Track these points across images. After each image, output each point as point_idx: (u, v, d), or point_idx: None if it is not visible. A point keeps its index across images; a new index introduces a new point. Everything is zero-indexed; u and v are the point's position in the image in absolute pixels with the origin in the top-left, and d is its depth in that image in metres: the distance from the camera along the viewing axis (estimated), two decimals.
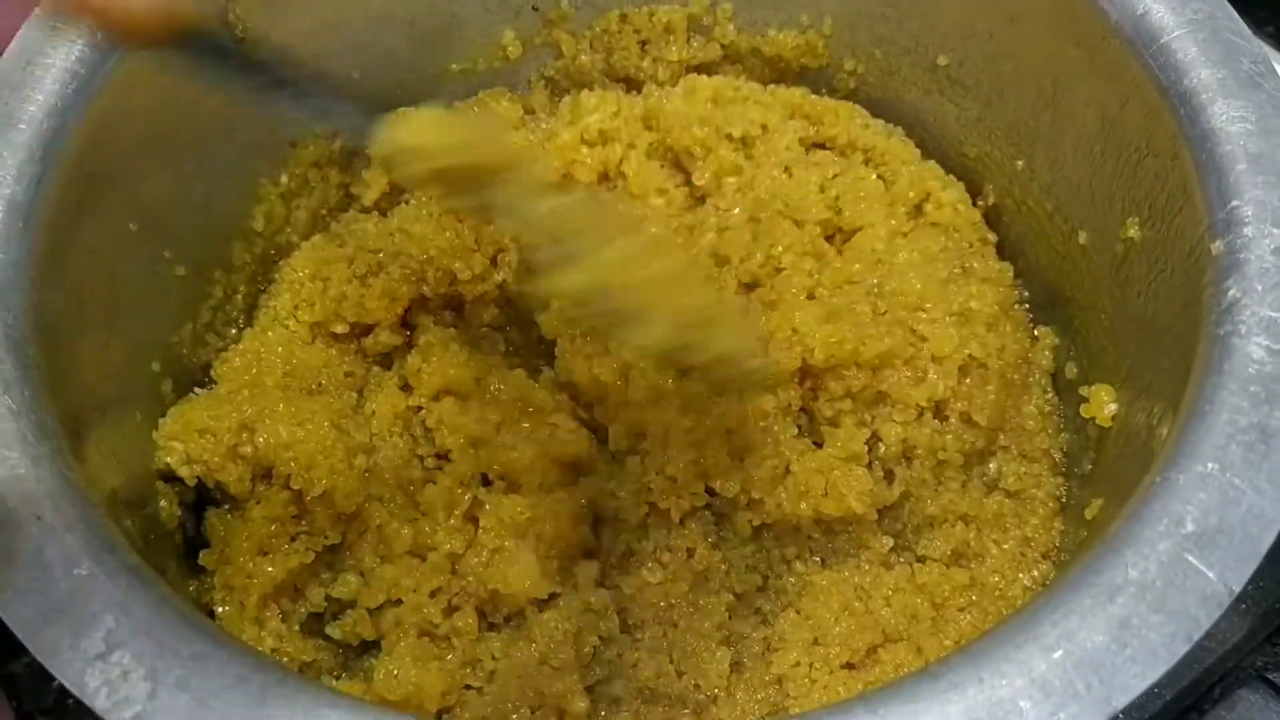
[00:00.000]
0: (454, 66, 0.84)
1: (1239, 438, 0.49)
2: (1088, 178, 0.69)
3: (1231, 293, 0.53)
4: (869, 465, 0.69)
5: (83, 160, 0.63)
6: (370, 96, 0.81)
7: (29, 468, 0.51)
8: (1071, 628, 0.45)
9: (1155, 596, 0.45)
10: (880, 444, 0.69)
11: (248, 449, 0.67)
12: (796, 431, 0.69)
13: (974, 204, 0.80)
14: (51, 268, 0.60)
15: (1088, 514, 0.64)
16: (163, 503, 0.66)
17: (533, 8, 0.83)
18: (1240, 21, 0.62)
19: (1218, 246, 0.55)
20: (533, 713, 0.63)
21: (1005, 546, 0.70)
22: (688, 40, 0.84)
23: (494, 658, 0.66)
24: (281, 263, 0.80)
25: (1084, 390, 0.69)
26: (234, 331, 0.77)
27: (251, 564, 0.65)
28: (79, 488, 0.51)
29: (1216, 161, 0.57)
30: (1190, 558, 0.46)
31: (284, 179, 0.79)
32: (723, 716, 0.64)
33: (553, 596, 0.67)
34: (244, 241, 0.78)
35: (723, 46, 0.84)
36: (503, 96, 0.85)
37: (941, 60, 0.77)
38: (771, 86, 0.83)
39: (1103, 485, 0.66)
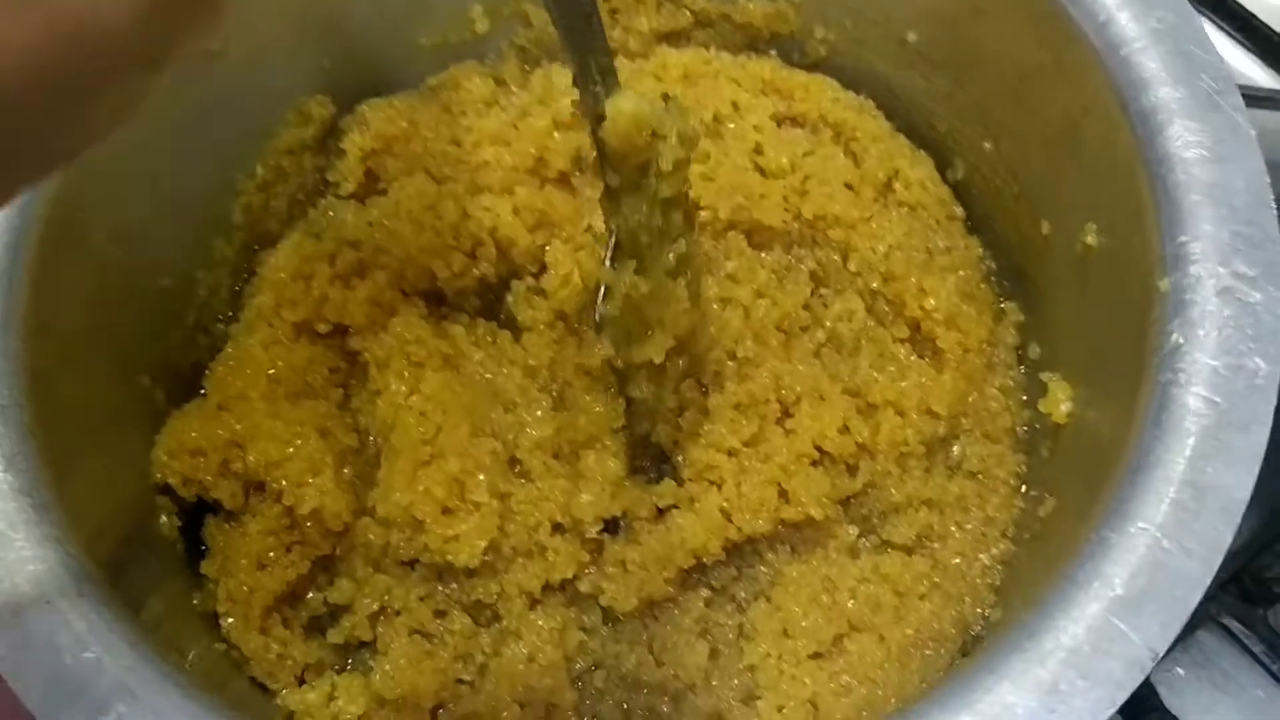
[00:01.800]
0: (423, 41, 0.84)
1: (1172, 495, 0.51)
2: (1051, 173, 0.70)
3: (1175, 336, 0.55)
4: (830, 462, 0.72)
5: (62, 195, 0.64)
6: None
7: (34, 548, 0.54)
8: (1003, 692, 0.48)
9: (1083, 661, 0.49)
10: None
11: (239, 466, 0.70)
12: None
13: (944, 176, 0.80)
14: (37, 318, 0.62)
15: (1041, 512, 0.67)
16: (163, 518, 0.70)
17: None
18: (1203, 30, 0.61)
19: (1165, 284, 0.57)
20: (522, 709, 0.68)
21: (967, 528, 0.73)
22: (658, 8, 0.83)
23: (484, 653, 0.71)
24: (263, 253, 0.81)
25: (1045, 376, 0.72)
26: (221, 327, 0.79)
27: (251, 578, 0.69)
28: (80, 562, 0.55)
29: (1170, 190, 0.58)
30: (1117, 621, 0.49)
31: (259, 171, 0.80)
32: (699, 704, 0.69)
33: (537, 600, 0.71)
34: (224, 237, 0.79)
35: (693, 13, 0.83)
36: (474, 72, 0.85)
37: (910, 37, 0.76)
38: (743, 58, 0.83)
39: (1058, 483, 0.68)
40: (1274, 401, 0.53)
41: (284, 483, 0.69)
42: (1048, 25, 0.65)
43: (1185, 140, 0.59)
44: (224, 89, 0.75)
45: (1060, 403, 0.68)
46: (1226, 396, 0.53)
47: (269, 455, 0.69)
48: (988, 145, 0.76)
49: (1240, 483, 0.51)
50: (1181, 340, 0.55)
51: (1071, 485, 0.66)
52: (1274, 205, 0.57)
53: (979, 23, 0.71)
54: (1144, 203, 0.59)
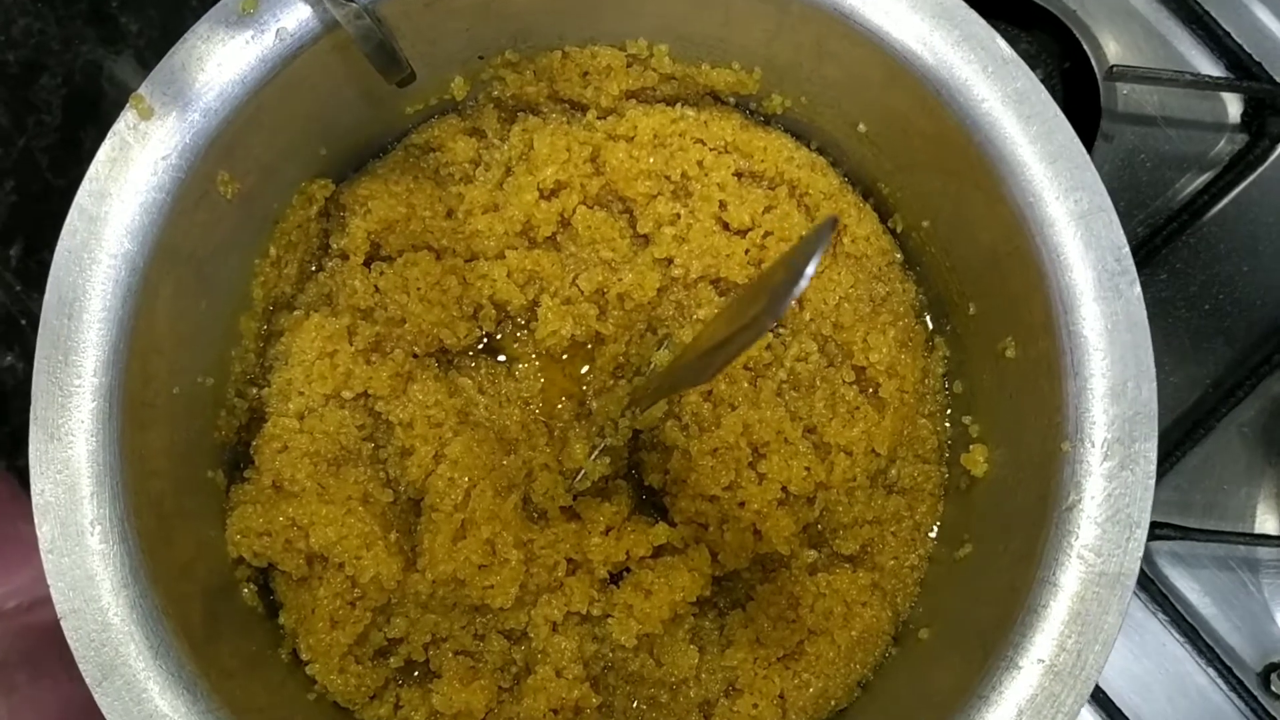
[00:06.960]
0: (408, 110, 0.89)
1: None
2: (980, 276, 0.81)
3: (1071, 496, 0.70)
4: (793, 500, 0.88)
5: (135, 365, 0.74)
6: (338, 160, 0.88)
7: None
8: None
9: None
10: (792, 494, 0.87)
11: (301, 545, 0.83)
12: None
13: (885, 224, 0.91)
14: (134, 453, 0.73)
15: (959, 554, 0.85)
16: (245, 590, 0.84)
17: (479, 57, 0.86)
18: (1113, 212, 0.72)
19: (1066, 446, 0.71)
20: (555, 714, 0.86)
21: (900, 535, 0.90)
22: (626, 70, 0.88)
23: (518, 663, 0.88)
24: (279, 314, 0.90)
25: (965, 419, 0.87)
26: (255, 390, 0.89)
27: (329, 635, 0.84)
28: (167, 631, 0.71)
29: (1081, 372, 0.71)
30: None
31: (273, 251, 0.87)
32: (692, 695, 0.88)
33: (559, 624, 0.88)
34: (248, 314, 0.88)
35: (659, 74, 0.89)
36: (456, 130, 0.91)
37: (861, 127, 0.84)
38: (706, 115, 0.90)
39: (975, 527, 0.85)
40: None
41: (344, 557, 0.83)
42: (979, 179, 0.75)
43: (1097, 327, 0.71)
44: (245, 201, 0.81)
45: (979, 464, 0.84)
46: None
47: (327, 537, 0.83)
48: (926, 223, 0.86)
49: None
50: (1078, 498, 0.70)
51: (986, 532, 0.83)
52: (1155, 381, 0.70)
53: (913, 147, 0.80)
54: (1056, 374, 0.72)
